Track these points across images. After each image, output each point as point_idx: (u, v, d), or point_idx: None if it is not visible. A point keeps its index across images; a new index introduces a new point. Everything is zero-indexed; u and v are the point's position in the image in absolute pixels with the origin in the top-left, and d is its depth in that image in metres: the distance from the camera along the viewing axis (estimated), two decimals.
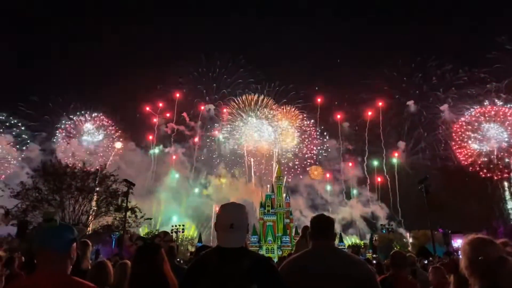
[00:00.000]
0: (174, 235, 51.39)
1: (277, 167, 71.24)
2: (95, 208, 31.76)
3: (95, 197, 31.80)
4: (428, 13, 79.11)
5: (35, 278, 2.65)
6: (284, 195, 65.27)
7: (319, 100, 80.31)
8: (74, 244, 2.74)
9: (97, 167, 33.73)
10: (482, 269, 2.39)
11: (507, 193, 52.08)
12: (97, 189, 31.56)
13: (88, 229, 31.20)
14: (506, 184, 50.93)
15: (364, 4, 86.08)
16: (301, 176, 76.50)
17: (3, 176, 57.41)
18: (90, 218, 31.55)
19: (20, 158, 63.93)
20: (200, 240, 55.93)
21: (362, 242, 62.51)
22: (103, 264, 4.23)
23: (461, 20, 73.55)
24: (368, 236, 65.52)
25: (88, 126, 73.31)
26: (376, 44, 78.19)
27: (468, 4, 74.98)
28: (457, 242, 32.23)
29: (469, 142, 65.03)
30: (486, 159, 58.86)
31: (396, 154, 74.05)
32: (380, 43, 78.76)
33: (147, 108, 79.49)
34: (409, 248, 46.54)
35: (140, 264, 3.08)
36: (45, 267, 2.60)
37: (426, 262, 17.23)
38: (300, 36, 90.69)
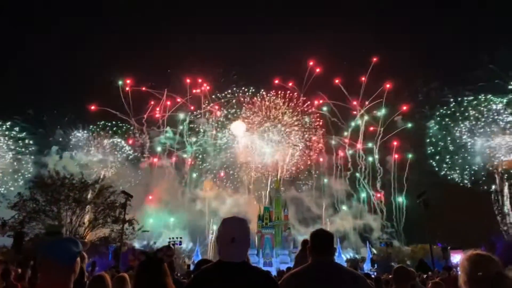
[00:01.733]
0: (172, 247, 50.95)
1: (275, 179, 71.19)
2: (92, 220, 31.60)
3: (92, 209, 31.67)
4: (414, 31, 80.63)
5: None
6: (283, 207, 65.14)
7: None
8: (78, 258, 2.76)
9: (97, 179, 33.69)
10: (481, 285, 2.41)
11: (507, 206, 52.41)
12: (95, 200, 31.44)
13: (85, 240, 30.98)
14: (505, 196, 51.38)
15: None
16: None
17: None
18: (87, 229, 31.35)
19: (11, 170, 63.87)
20: (197, 254, 55.47)
21: (360, 256, 62.07)
22: (102, 278, 4.22)
23: (446, 38, 75.63)
24: (362, 250, 65.36)
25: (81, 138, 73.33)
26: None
27: (454, 22, 76.24)
28: (456, 258, 32.13)
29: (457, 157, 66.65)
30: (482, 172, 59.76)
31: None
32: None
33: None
34: (408, 262, 46.28)
35: (143, 279, 3.06)
36: (48, 279, 2.62)
37: (425, 276, 17.12)
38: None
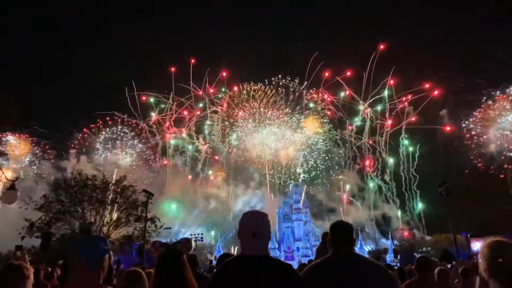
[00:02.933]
0: (193, 243, 51.58)
1: (295, 173, 71.10)
2: (116, 219, 32.24)
3: (115, 208, 32.28)
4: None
5: None
6: (302, 201, 64.96)
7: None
8: (106, 255, 2.84)
9: (118, 178, 34.29)
10: (501, 272, 2.40)
11: None
12: (117, 200, 32.03)
13: (110, 239, 31.68)
14: None
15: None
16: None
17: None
18: (111, 228, 32.02)
19: (32, 174, 65.83)
20: (219, 249, 55.96)
21: (381, 247, 61.47)
22: (137, 273, 4.30)
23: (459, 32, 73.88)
24: (380, 242, 64.78)
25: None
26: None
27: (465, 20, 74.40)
28: (476, 246, 31.55)
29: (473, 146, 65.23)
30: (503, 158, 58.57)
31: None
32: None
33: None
34: (431, 252, 45.61)
35: (163, 271, 3.13)
36: (78, 277, 2.70)
37: (449, 266, 16.88)
38: None
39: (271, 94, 79.46)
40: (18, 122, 65.95)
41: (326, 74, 76.36)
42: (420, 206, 68.64)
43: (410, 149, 72.00)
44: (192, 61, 75.95)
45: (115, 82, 76.46)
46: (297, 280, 2.77)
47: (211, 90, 79.30)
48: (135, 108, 75.91)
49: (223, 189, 74.02)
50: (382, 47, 72.16)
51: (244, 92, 79.66)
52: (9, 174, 28.25)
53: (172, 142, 77.52)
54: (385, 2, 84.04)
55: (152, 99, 77.95)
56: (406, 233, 59.89)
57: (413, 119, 71.68)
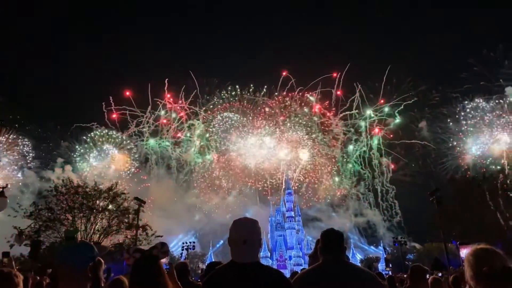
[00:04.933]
0: (184, 252, 51.16)
1: (285, 181, 71.02)
2: (106, 226, 31.89)
3: (105, 215, 31.95)
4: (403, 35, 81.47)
5: None
6: (295, 208, 64.89)
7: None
8: (92, 262, 2.84)
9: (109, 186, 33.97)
10: (486, 280, 2.42)
11: None
12: (109, 207, 31.73)
13: (103, 244, 31.30)
14: None
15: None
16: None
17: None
18: (101, 236, 31.67)
19: (17, 183, 65.02)
20: (210, 257, 55.57)
21: (371, 256, 61.69)
22: (120, 281, 4.33)
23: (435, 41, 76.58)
24: (369, 249, 65.31)
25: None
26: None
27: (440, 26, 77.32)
28: (464, 253, 31.70)
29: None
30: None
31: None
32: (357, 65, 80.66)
33: None
34: (423, 262, 45.67)
35: (137, 277, 3.00)
36: (66, 285, 2.72)
37: (440, 275, 16.96)
38: None
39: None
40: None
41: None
42: (398, 215, 70.26)
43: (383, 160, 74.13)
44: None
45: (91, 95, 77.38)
46: (288, 287, 2.78)
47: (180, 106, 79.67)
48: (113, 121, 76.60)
49: (210, 197, 73.75)
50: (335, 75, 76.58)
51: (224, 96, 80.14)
52: None
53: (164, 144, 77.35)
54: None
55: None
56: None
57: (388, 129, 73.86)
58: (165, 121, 79.08)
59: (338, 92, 77.19)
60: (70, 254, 2.82)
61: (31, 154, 69.62)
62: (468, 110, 66.16)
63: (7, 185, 16.10)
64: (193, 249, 55.79)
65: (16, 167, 67.82)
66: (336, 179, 77.54)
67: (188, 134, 79.34)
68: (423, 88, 72.77)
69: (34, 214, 29.34)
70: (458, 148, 67.44)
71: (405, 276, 10.44)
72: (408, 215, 69.19)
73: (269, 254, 58.73)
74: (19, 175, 67.58)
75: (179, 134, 79.50)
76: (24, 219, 28.88)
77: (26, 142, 68.53)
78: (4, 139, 65.87)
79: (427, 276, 6.54)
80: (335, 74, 76.98)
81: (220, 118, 79.69)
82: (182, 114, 79.67)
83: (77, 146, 74.09)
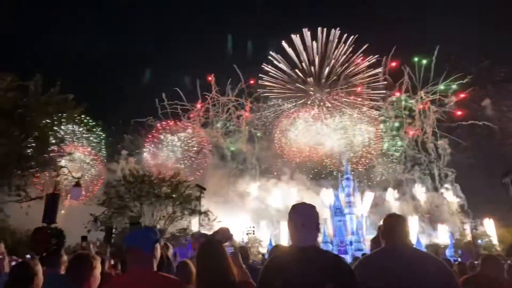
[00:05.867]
0: (246, 236, 52.45)
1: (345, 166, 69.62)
2: (171, 213, 33.58)
3: (170, 202, 33.62)
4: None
5: (127, 276, 3.01)
6: (354, 194, 63.57)
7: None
8: (157, 244, 3.02)
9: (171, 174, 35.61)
10: None
11: None
12: (172, 194, 33.31)
13: (166, 232, 33.10)
14: None
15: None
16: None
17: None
18: (167, 222, 33.44)
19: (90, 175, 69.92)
20: (270, 242, 56.39)
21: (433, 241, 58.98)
22: (186, 263, 4.56)
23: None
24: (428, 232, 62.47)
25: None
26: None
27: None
28: None
29: None
30: None
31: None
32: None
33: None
34: (497, 248, 42.81)
35: (202, 260, 3.14)
36: (134, 265, 2.93)
37: None
38: None
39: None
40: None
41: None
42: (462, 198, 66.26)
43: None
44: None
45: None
46: (349, 271, 2.76)
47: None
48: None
49: (266, 185, 74.55)
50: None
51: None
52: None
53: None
54: None
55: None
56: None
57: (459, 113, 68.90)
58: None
59: (393, 64, 73.21)
60: (136, 237, 3.03)
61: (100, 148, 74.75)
62: None
63: (82, 175, 17.48)
64: (253, 234, 57.09)
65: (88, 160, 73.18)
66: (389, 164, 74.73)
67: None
68: (486, 63, 66.73)
69: (106, 202, 31.72)
70: None
71: (475, 263, 9.84)
72: (472, 199, 64.72)
73: (329, 240, 58.27)
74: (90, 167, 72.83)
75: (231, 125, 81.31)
76: (98, 206, 31.39)
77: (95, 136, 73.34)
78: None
79: (502, 263, 6.12)
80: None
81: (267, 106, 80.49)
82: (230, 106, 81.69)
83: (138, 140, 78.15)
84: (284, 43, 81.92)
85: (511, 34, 70.96)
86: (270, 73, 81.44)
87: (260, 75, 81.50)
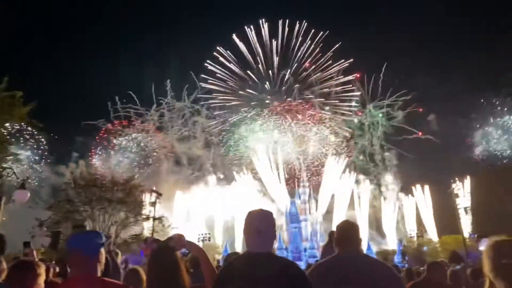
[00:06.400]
0: (200, 243, 51.71)
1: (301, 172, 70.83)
2: (124, 218, 32.50)
3: (123, 207, 32.54)
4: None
5: (69, 282, 2.87)
6: (309, 201, 64.73)
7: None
8: (102, 249, 2.92)
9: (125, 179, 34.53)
10: (505, 272, 2.37)
11: None
12: (126, 199, 32.29)
13: (117, 238, 31.95)
14: None
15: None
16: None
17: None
18: (119, 228, 32.30)
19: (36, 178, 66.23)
20: (226, 249, 56.01)
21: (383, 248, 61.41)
22: (136, 270, 4.42)
23: None
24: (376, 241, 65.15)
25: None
26: None
27: None
28: (483, 246, 31.12)
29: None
30: None
31: None
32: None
33: None
34: (441, 255, 45.14)
35: (154, 268, 3.01)
36: (76, 270, 2.81)
37: (458, 267, 16.73)
38: None
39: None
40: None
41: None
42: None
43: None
44: None
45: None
46: (303, 277, 2.77)
47: None
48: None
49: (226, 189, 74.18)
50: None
51: None
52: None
53: None
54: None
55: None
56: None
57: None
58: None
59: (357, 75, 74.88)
60: (79, 241, 2.91)
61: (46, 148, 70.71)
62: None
63: (27, 177, 16.51)
64: (209, 240, 56.42)
65: (31, 162, 68.98)
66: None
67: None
68: (432, 81, 71.07)
69: (54, 205, 30.13)
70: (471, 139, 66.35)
71: (421, 269, 10.33)
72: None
73: (284, 246, 58.77)
74: (38, 168, 68.81)
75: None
76: (44, 211, 29.74)
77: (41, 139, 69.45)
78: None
79: (446, 268, 6.47)
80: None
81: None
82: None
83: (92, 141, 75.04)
84: (235, 37, 75.78)
85: (458, 52, 75.54)
86: (217, 74, 77.74)
87: (202, 75, 77.08)
